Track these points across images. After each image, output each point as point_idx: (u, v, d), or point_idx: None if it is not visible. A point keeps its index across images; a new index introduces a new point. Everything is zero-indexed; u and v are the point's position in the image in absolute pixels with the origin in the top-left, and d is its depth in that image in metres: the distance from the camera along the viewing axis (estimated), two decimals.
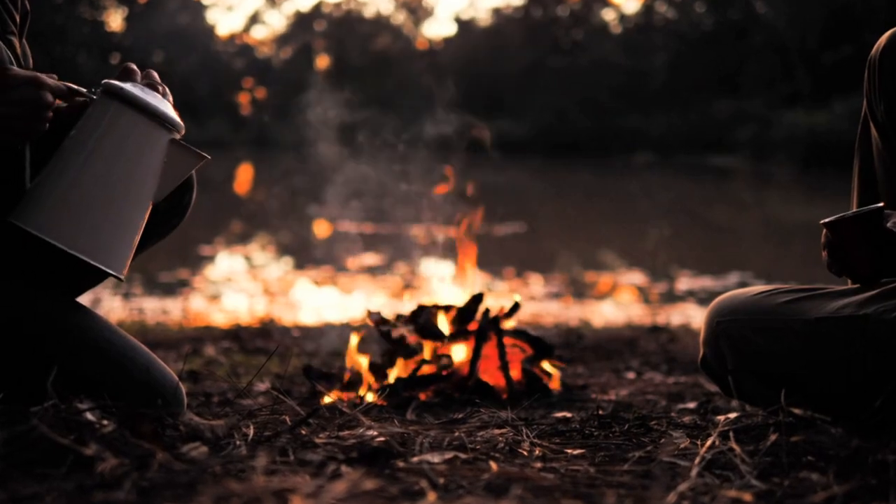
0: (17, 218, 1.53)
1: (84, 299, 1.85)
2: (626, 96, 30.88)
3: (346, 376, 2.59)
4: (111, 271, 1.59)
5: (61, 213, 1.55)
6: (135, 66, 1.64)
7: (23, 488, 1.13)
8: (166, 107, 1.61)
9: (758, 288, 1.80)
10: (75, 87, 1.60)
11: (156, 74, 1.64)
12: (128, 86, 1.59)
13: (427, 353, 2.58)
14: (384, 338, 2.63)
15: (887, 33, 1.71)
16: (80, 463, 1.20)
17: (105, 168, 1.57)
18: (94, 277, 1.89)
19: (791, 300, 1.69)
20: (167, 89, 1.65)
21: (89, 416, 1.31)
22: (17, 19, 1.68)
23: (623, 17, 38.21)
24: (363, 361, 2.63)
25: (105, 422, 1.30)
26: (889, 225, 1.61)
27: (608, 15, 39.12)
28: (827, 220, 1.64)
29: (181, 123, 1.62)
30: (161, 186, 1.62)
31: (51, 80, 1.53)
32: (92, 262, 1.56)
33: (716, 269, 7.41)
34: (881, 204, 1.63)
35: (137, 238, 1.63)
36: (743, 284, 7.02)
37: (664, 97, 30.60)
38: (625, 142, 28.48)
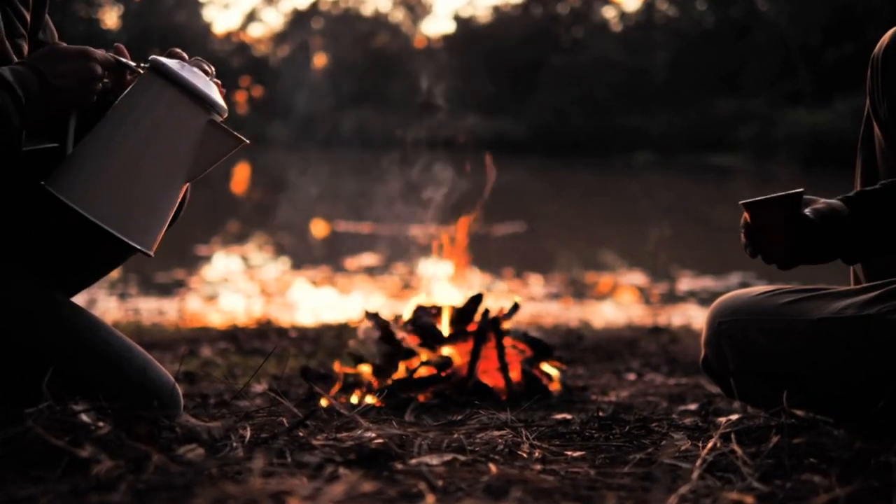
0: (51, 185, 1.57)
1: (79, 299, 1.85)
2: (627, 95, 30.86)
3: (344, 378, 2.59)
4: (140, 247, 1.61)
5: (93, 185, 1.57)
6: (180, 52, 1.68)
7: (18, 490, 1.13)
8: (209, 88, 1.63)
9: (760, 288, 1.80)
10: (123, 60, 1.64)
11: (204, 63, 1.68)
12: (173, 63, 1.61)
13: (426, 355, 2.58)
14: (383, 339, 2.63)
15: (890, 31, 1.72)
16: (75, 465, 1.20)
17: (141, 143, 1.59)
18: (88, 276, 1.89)
19: (793, 301, 1.69)
20: (213, 72, 1.68)
21: (85, 417, 1.31)
22: (29, 18, 1.68)
23: (624, 15, 38.22)
24: (361, 363, 2.63)
25: (101, 423, 1.30)
26: (807, 211, 1.61)
27: (608, 13, 39.13)
28: (746, 201, 1.64)
29: (223, 106, 1.64)
30: (196, 167, 1.64)
31: (100, 52, 1.59)
32: (120, 237, 1.58)
33: (717, 270, 7.41)
34: (801, 189, 1.63)
35: (169, 217, 1.65)
36: (744, 285, 7.02)
37: (665, 96, 30.59)
38: (625, 141, 28.46)
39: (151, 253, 1.63)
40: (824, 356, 1.62)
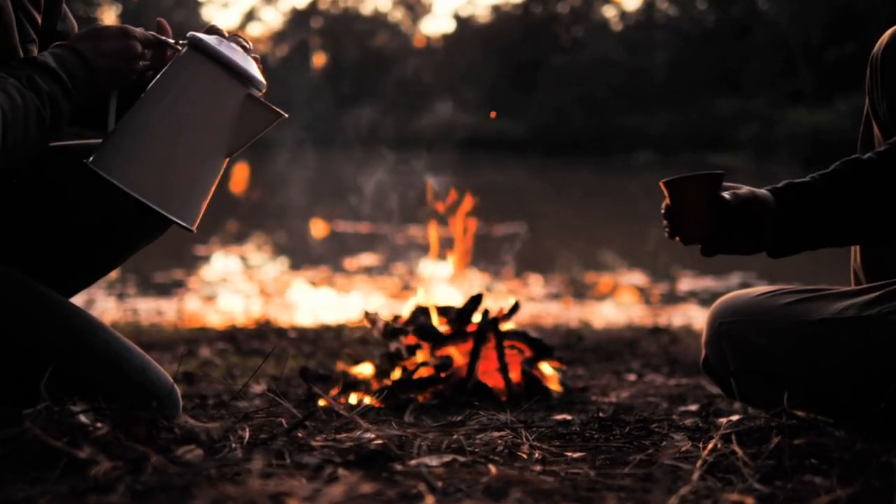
0: (93, 163, 1.60)
1: (77, 300, 1.85)
2: (627, 94, 30.87)
3: (343, 378, 2.59)
4: (182, 222, 1.64)
5: (135, 162, 1.60)
6: (219, 27, 1.70)
7: (16, 491, 1.13)
8: (247, 63, 1.65)
9: (760, 289, 1.80)
10: (162, 38, 1.67)
11: (243, 38, 1.70)
12: (210, 39, 1.64)
13: (425, 355, 2.58)
14: (382, 339, 2.63)
15: (889, 30, 1.72)
16: (73, 466, 1.20)
17: (180, 119, 1.62)
18: (87, 276, 1.89)
19: (794, 301, 1.69)
20: (251, 48, 1.70)
21: (83, 418, 1.31)
22: (40, 19, 1.68)
23: (624, 15, 38.24)
24: (360, 363, 2.63)
25: (99, 424, 1.30)
26: (725, 194, 1.61)
27: (609, 12, 39.16)
28: (666, 179, 1.64)
29: (261, 80, 1.66)
30: (236, 141, 1.65)
31: (139, 31, 1.63)
32: (163, 213, 1.61)
33: (718, 270, 7.41)
34: (721, 171, 1.63)
35: (210, 192, 1.67)
36: (745, 285, 7.02)
37: (665, 95, 30.59)
38: (625, 141, 28.46)
39: (194, 228, 1.66)
40: (825, 357, 1.62)
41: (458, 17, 40.17)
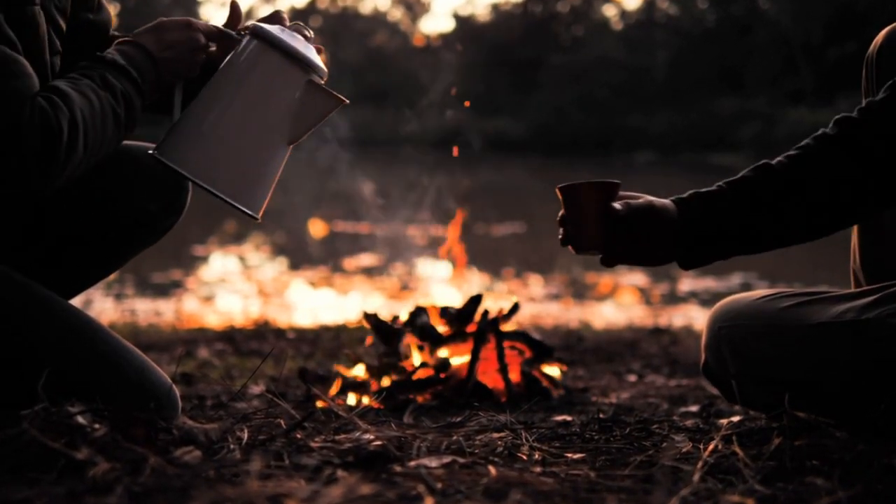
0: (159, 153, 1.63)
1: (75, 300, 1.85)
2: (627, 94, 30.86)
3: (342, 379, 2.59)
4: (248, 210, 1.66)
5: (199, 151, 1.63)
6: (284, 13, 1.74)
7: (13, 493, 1.13)
8: (308, 50, 1.67)
9: (760, 292, 1.79)
10: (225, 29, 1.70)
11: (305, 27, 1.72)
12: (272, 28, 1.66)
13: (424, 356, 2.57)
14: (381, 340, 2.63)
15: (884, 30, 1.72)
16: (71, 467, 1.20)
17: (243, 107, 1.64)
18: (86, 279, 1.89)
19: (792, 305, 1.69)
20: (313, 36, 1.72)
21: (81, 419, 1.31)
22: (64, 27, 1.68)
23: (624, 14, 38.23)
24: (359, 364, 2.63)
25: (97, 425, 1.30)
26: (617, 204, 1.60)
27: (609, 11, 39.18)
28: (563, 185, 1.64)
29: (322, 67, 1.68)
30: (299, 128, 1.68)
31: (202, 23, 1.67)
32: (228, 201, 1.63)
33: (718, 270, 7.41)
34: (617, 181, 1.63)
35: (274, 180, 1.70)
36: (746, 285, 7.02)
37: (666, 95, 30.59)
38: (626, 140, 28.45)
39: (259, 217, 1.68)
40: (824, 361, 1.61)
41: (457, 17, 40.17)
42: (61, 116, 1.45)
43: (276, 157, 1.69)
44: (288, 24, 1.72)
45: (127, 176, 1.82)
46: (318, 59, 1.69)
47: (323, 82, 1.69)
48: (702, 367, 1.86)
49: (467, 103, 2.94)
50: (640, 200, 1.63)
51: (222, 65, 1.69)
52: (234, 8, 1.76)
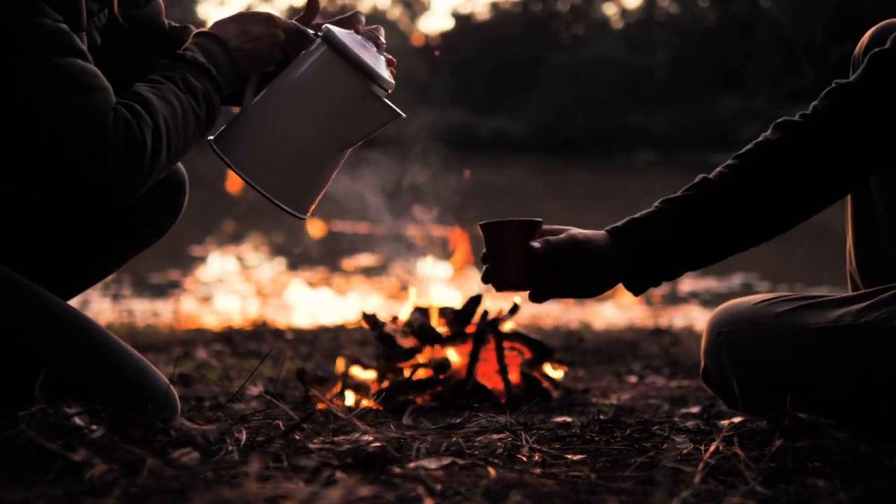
0: (216, 142, 1.65)
1: (72, 301, 1.85)
2: (628, 93, 30.88)
3: (341, 380, 2.59)
4: (293, 211, 1.67)
5: (253, 149, 1.65)
6: (362, 16, 1.75)
7: (10, 494, 1.13)
8: (375, 61, 1.67)
9: (759, 297, 1.80)
10: (303, 27, 1.72)
11: (382, 32, 1.74)
12: (343, 34, 1.67)
13: (424, 357, 2.57)
14: (380, 341, 2.63)
15: (870, 30, 1.72)
16: (68, 469, 1.19)
17: (301, 111, 1.65)
18: (85, 279, 1.89)
19: (790, 309, 1.69)
20: (385, 45, 1.73)
21: (78, 420, 1.31)
22: (100, 41, 1.69)
23: (625, 12, 38.25)
24: (358, 365, 2.63)
25: (94, 427, 1.29)
26: (536, 243, 1.60)
27: (609, 10, 39.17)
28: (484, 222, 1.65)
29: (387, 79, 1.68)
30: (352, 136, 1.69)
31: (282, 18, 1.70)
32: (273, 200, 1.65)
33: (719, 271, 7.41)
34: (539, 220, 1.64)
35: (324, 183, 1.72)
36: (747, 285, 7.02)
37: (666, 94, 30.61)
38: (626, 140, 28.48)
39: (305, 217, 1.70)
40: (824, 366, 1.61)
41: (456, 15, 40.16)
42: (145, 128, 1.48)
43: (328, 162, 1.70)
44: (363, 27, 1.72)
45: None
46: (385, 70, 1.68)
47: (387, 93, 1.69)
48: (701, 373, 1.86)
49: (437, 53, 2.94)
50: (562, 236, 1.62)
51: (290, 64, 1.70)
52: (312, 1, 1.77)
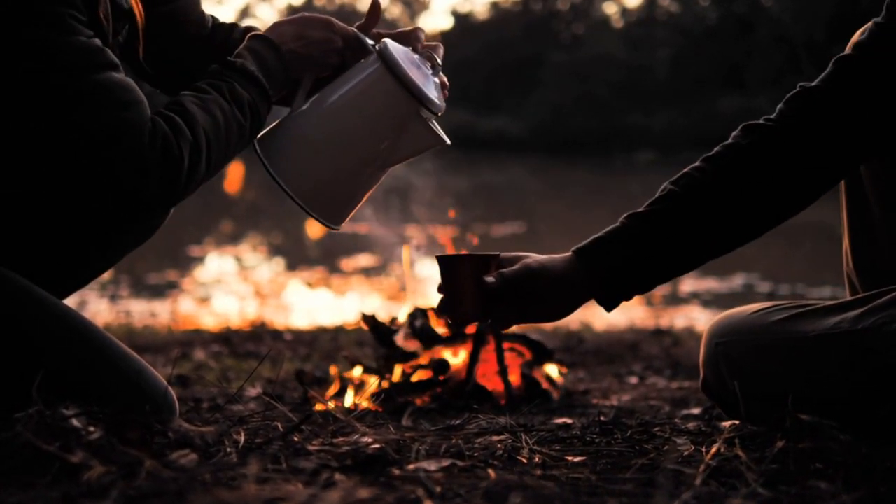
0: (259, 144, 1.65)
1: (68, 301, 1.85)
2: (628, 92, 30.88)
3: (340, 381, 2.59)
4: (326, 222, 1.68)
5: (293, 157, 1.65)
6: (422, 34, 1.73)
7: (7, 496, 1.13)
8: (426, 83, 1.66)
9: (755, 306, 1.80)
10: (362, 36, 1.71)
11: (440, 51, 1.72)
12: (399, 51, 1.65)
13: (423, 358, 2.57)
14: (379, 341, 2.63)
15: (860, 30, 1.72)
16: (65, 471, 1.19)
17: (346, 126, 1.65)
18: (77, 280, 1.88)
19: (787, 318, 1.69)
20: (440, 66, 1.72)
21: (75, 422, 1.31)
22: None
23: (625, 11, 38.28)
24: (357, 366, 2.63)
25: (92, 428, 1.29)
26: (490, 277, 1.61)
27: (609, 8, 39.22)
28: (441, 255, 1.66)
29: (437, 103, 1.66)
30: (393, 156, 1.68)
31: (341, 25, 1.70)
32: (307, 210, 1.65)
33: (720, 271, 7.41)
34: (496, 253, 1.65)
35: (360, 198, 1.72)
36: (749, 286, 7.02)
37: (667, 93, 30.61)
38: (626, 139, 28.48)
39: (338, 228, 1.70)
40: (823, 373, 1.61)
41: (455, 14, 40.18)
42: (182, 142, 1.49)
43: (366, 179, 1.70)
44: (422, 44, 1.71)
45: None
46: (436, 94, 1.67)
47: (436, 116, 1.68)
48: (700, 384, 1.86)
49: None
50: (516, 266, 1.63)
51: (344, 74, 1.69)
52: (374, 8, 1.76)
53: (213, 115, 1.55)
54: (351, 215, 1.73)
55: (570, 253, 1.65)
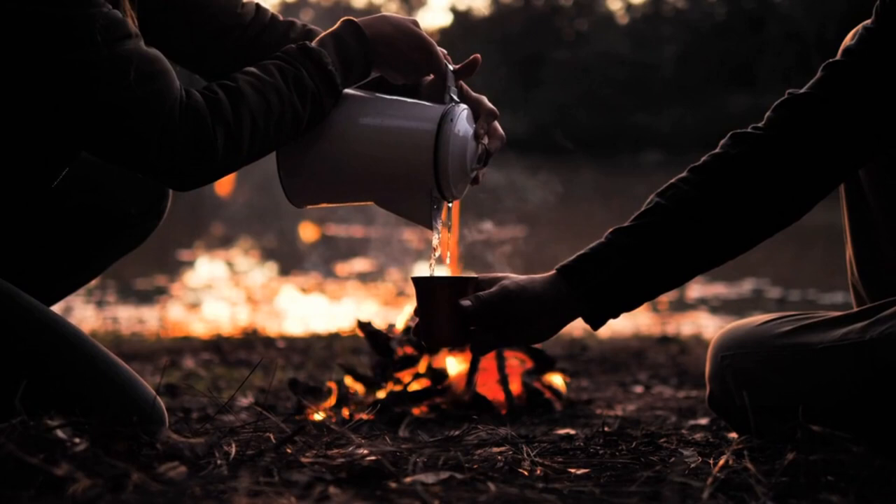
0: (281, 149, 1.64)
1: (55, 308, 1.85)
2: (634, 91, 30.90)
3: (335, 391, 2.59)
4: (291, 198, 1.69)
5: (301, 170, 1.66)
6: (495, 118, 1.72)
7: None
8: (460, 174, 1.64)
9: (761, 318, 1.81)
10: (450, 81, 1.68)
11: (498, 145, 1.72)
12: (461, 129, 1.63)
13: (421, 366, 2.58)
14: (375, 349, 2.63)
15: (850, 35, 1.73)
16: (50, 484, 1.20)
17: (369, 155, 1.65)
18: (65, 286, 1.89)
19: (793, 329, 1.70)
20: (488, 160, 1.71)
21: (60, 433, 1.31)
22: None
23: (630, 7, 38.32)
24: (353, 375, 2.63)
25: (77, 440, 1.29)
26: (466, 300, 1.61)
27: (614, 4, 39.30)
28: (415, 276, 1.66)
29: (455, 194, 1.66)
30: (387, 204, 1.70)
31: (439, 56, 1.68)
32: (282, 180, 1.66)
33: (729, 276, 7.41)
34: (473, 276, 1.65)
35: (335, 204, 1.76)
36: (758, 292, 7.03)
37: (674, 92, 30.63)
38: (632, 139, 28.48)
39: (295, 203, 1.71)
40: (831, 385, 1.62)
41: (454, 11, 40.23)
42: (217, 122, 1.48)
43: (352, 198, 1.74)
44: (486, 109, 1.70)
45: (108, 179, 1.82)
46: (459, 183, 1.65)
47: (447, 202, 1.69)
48: (707, 398, 1.87)
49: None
50: (494, 289, 1.63)
51: (403, 101, 1.68)
52: (473, 63, 1.73)
53: (267, 99, 1.53)
54: (314, 206, 1.75)
55: (552, 272, 1.65)
